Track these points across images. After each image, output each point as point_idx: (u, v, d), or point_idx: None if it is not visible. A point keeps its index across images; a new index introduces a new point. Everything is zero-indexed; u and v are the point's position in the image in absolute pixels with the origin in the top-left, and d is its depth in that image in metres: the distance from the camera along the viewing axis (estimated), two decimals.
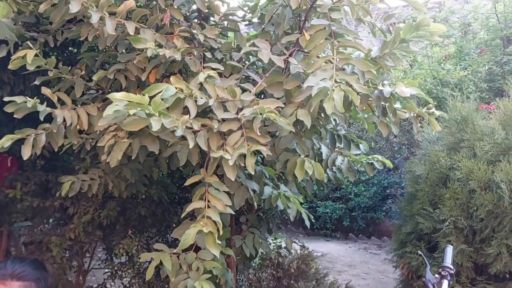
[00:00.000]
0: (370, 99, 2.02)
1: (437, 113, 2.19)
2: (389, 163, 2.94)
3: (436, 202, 3.08)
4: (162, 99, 1.76)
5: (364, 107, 2.09)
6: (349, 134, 2.66)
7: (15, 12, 2.54)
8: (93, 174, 2.93)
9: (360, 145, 2.74)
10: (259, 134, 1.81)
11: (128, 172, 2.87)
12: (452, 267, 2.01)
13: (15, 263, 1.51)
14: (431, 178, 3.16)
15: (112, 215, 3.66)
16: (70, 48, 3.94)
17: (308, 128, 1.89)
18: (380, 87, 2.01)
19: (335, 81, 1.73)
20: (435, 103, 5.27)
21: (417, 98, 5.25)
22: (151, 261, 2.25)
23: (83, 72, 2.34)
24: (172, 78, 1.90)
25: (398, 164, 7.22)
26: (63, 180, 2.84)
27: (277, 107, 1.92)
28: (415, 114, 2.18)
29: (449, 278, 2.02)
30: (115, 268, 3.94)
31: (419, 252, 2.20)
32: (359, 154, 2.98)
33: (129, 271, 3.93)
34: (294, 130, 1.87)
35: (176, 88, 1.86)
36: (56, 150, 2.25)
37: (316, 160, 2.86)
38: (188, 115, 1.80)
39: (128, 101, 1.63)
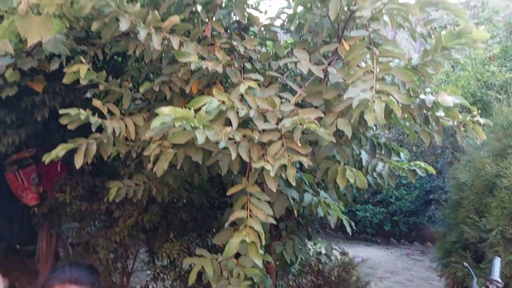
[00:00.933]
0: (411, 107, 2.00)
1: (482, 121, 2.14)
2: (431, 170, 2.89)
3: (482, 211, 2.99)
4: (206, 112, 1.83)
5: (406, 115, 2.07)
6: (389, 141, 2.64)
7: (67, 28, 2.69)
8: (138, 180, 3.04)
9: (401, 153, 2.71)
10: (299, 144, 1.84)
11: (171, 178, 2.96)
12: (500, 280, 1.95)
13: (73, 268, 1.61)
14: (477, 185, 3.07)
15: (155, 219, 3.78)
16: (115, 57, 4.10)
17: (349, 138, 1.90)
18: (422, 96, 1.99)
19: (376, 92, 1.73)
20: (480, 106, 5.12)
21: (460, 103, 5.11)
22: (192, 265, 2.32)
23: (130, 85, 2.45)
24: (214, 90, 1.96)
25: (441, 168, 7.01)
26: (110, 185, 2.97)
27: (317, 116, 1.94)
28: (459, 123, 2.14)
29: None
30: (157, 271, 4.06)
31: (465, 264, 2.15)
32: (400, 159, 2.94)
33: (171, 274, 4.03)
34: (334, 141, 1.89)
35: (218, 100, 1.92)
36: (106, 159, 2.36)
37: (356, 166, 2.85)
38: (230, 127, 1.86)
39: (175, 115, 1.70)
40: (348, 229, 2.76)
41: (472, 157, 3.23)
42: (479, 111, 2.22)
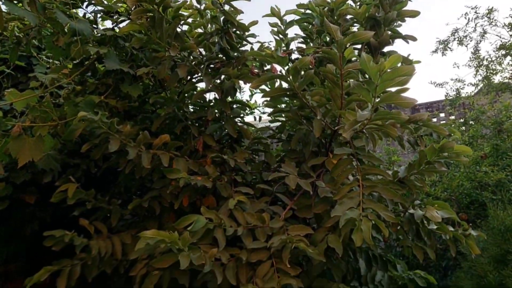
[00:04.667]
0: (401, 221, 1.98)
1: (475, 233, 2.10)
2: (432, 279, 2.77)
3: None
4: (192, 231, 1.80)
5: (398, 228, 2.04)
6: (385, 254, 2.57)
7: (61, 144, 2.77)
8: None
9: (398, 266, 2.62)
10: (288, 266, 1.78)
11: None
12: None
13: None
14: None
15: None
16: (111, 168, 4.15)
17: (340, 255, 1.84)
18: (411, 211, 1.98)
19: (363, 210, 1.72)
20: (477, 206, 5.09)
21: (457, 202, 5.08)
22: None
23: (120, 201, 2.45)
24: (202, 209, 1.95)
25: (445, 269, 6.73)
26: None
27: (307, 233, 1.91)
28: (451, 237, 2.10)
29: None
30: None
31: None
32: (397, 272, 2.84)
33: None
34: (324, 260, 1.83)
35: (206, 218, 1.90)
36: (89, 281, 2.27)
37: (354, 276, 2.74)
38: (217, 248, 1.82)
39: (159, 238, 1.67)
40: None
41: (473, 263, 3.13)
42: (476, 211, 2.19)
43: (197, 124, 2.86)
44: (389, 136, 1.91)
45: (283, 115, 2.65)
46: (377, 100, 1.66)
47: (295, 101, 2.26)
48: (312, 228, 2.03)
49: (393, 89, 1.69)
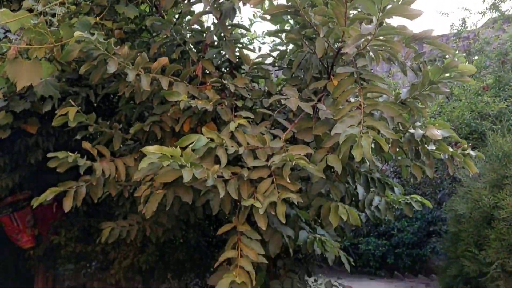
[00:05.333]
0: (401, 142, 1.99)
1: (473, 153, 2.13)
2: (428, 203, 2.86)
3: (482, 243, 2.93)
4: (194, 150, 1.82)
5: (397, 149, 2.06)
6: (383, 176, 2.61)
7: (59, 70, 2.73)
8: (132, 220, 3.00)
9: (395, 188, 2.68)
10: (289, 181, 1.82)
11: (165, 218, 2.92)
12: None
13: None
14: (475, 217, 3.03)
15: (151, 260, 3.71)
16: (111, 97, 4.14)
17: (339, 173, 1.88)
18: (411, 130, 1.99)
19: (363, 127, 1.73)
20: (475, 136, 5.11)
21: (456, 131, 5.11)
22: None
23: (121, 126, 2.46)
24: (204, 129, 1.96)
25: (440, 199, 6.94)
26: (103, 226, 2.93)
27: (307, 153, 1.93)
28: (450, 156, 2.12)
29: None
30: None
31: None
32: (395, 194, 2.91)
33: None
34: (324, 177, 1.86)
35: (207, 138, 1.91)
36: (95, 202, 2.34)
37: (352, 201, 2.81)
38: (219, 164, 1.84)
39: (161, 153, 1.69)
40: (347, 266, 2.70)
41: (469, 188, 3.20)
42: (475, 142, 2.22)
43: (195, 50, 2.81)
44: (393, 55, 1.88)
45: (284, 37, 2.58)
46: (381, 14, 1.61)
47: (297, 19, 2.19)
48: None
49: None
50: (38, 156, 3.65)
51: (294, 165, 1.85)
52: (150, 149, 1.68)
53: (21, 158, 3.80)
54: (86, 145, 2.24)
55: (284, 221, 1.81)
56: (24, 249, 4.68)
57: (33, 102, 3.02)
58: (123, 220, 3.03)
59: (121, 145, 2.58)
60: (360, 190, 2.84)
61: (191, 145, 1.83)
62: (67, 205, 2.16)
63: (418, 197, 2.86)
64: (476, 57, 6.57)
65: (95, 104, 3.69)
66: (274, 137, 2.15)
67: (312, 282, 4.17)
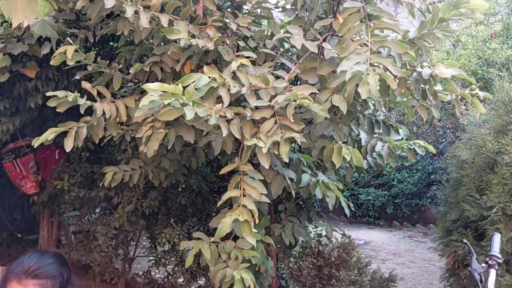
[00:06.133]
0: (408, 82, 1.94)
1: (481, 94, 2.08)
2: (431, 149, 2.84)
3: (483, 188, 2.94)
4: (196, 89, 1.78)
5: (403, 91, 2.01)
6: (388, 119, 2.58)
7: (56, 10, 2.63)
8: (134, 164, 3.01)
9: (400, 130, 2.65)
10: (292, 121, 1.79)
11: (167, 162, 2.92)
12: (500, 255, 1.91)
13: (32, 259, 1.36)
14: (477, 163, 3.02)
15: (153, 204, 3.76)
16: (110, 43, 4.05)
17: (344, 114, 1.84)
18: (419, 69, 1.93)
19: (370, 65, 1.67)
20: (481, 84, 5.03)
21: (461, 80, 5.02)
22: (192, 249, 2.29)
23: (121, 66, 2.40)
24: (205, 68, 1.91)
25: (442, 149, 6.94)
26: (106, 170, 2.94)
27: (311, 93, 1.89)
28: (457, 96, 2.08)
29: (496, 267, 1.92)
30: (159, 256, 4.05)
31: (464, 240, 2.11)
32: (400, 139, 2.89)
33: (172, 259, 4.02)
34: (329, 116, 1.83)
35: (209, 77, 1.86)
36: (97, 142, 2.33)
37: (355, 146, 2.80)
38: (221, 104, 1.81)
39: (163, 91, 1.65)
40: (347, 211, 2.72)
41: (473, 135, 3.17)
42: (481, 89, 2.16)
43: None
44: None
45: None
46: None
47: None
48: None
49: None
50: (38, 100, 3.63)
51: (297, 105, 1.81)
52: (151, 86, 1.64)
53: (22, 103, 3.79)
54: (85, 84, 2.20)
55: (287, 160, 1.80)
56: (28, 195, 4.77)
57: (30, 44, 2.95)
58: (125, 165, 3.04)
59: (122, 87, 2.53)
60: (363, 135, 2.82)
61: (193, 84, 1.79)
62: (69, 145, 2.15)
63: (422, 142, 2.84)
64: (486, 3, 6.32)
65: (94, 51, 3.62)
66: (278, 78, 2.10)
67: (313, 228, 4.24)
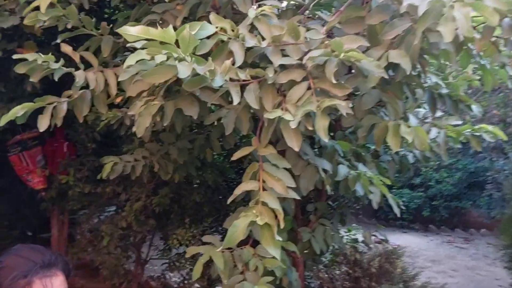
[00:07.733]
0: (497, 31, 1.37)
1: None
2: (502, 135, 2.25)
3: None
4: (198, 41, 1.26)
5: (484, 48, 1.45)
6: (454, 93, 1.99)
7: None
8: (137, 154, 2.57)
9: (473, 106, 2.06)
10: (334, 82, 1.25)
11: (175, 151, 2.47)
12: None
13: (51, 255, 1.15)
14: None
15: (164, 202, 3.33)
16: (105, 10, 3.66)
17: (407, 73, 1.29)
18: None
19: None
20: None
21: None
22: None
23: (111, 26, 1.93)
24: (212, 15, 1.39)
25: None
26: (105, 161, 2.52)
27: (359, 46, 1.34)
28: None
29: None
30: (173, 260, 3.63)
31: None
32: (459, 124, 2.31)
33: (188, 263, 3.59)
34: (387, 76, 1.28)
35: (216, 27, 1.35)
36: (81, 121, 1.86)
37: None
38: (232, 60, 1.29)
39: (147, 39, 1.15)
40: (396, 209, 2.20)
41: None
42: None
43: None
44: None
45: None
46: None
47: None
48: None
49: None
50: (35, 84, 3.24)
51: (340, 62, 1.27)
52: (131, 30, 1.13)
53: (20, 88, 3.41)
54: (65, 48, 1.73)
55: (327, 139, 1.25)
56: (36, 191, 4.42)
57: (23, 17, 2.58)
58: (127, 155, 2.61)
59: (116, 56, 2.07)
60: (413, 120, 2.24)
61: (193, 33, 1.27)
62: (43, 124, 1.68)
63: (489, 127, 2.25)
64: None
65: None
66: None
67: (345, 232, 3.70)
